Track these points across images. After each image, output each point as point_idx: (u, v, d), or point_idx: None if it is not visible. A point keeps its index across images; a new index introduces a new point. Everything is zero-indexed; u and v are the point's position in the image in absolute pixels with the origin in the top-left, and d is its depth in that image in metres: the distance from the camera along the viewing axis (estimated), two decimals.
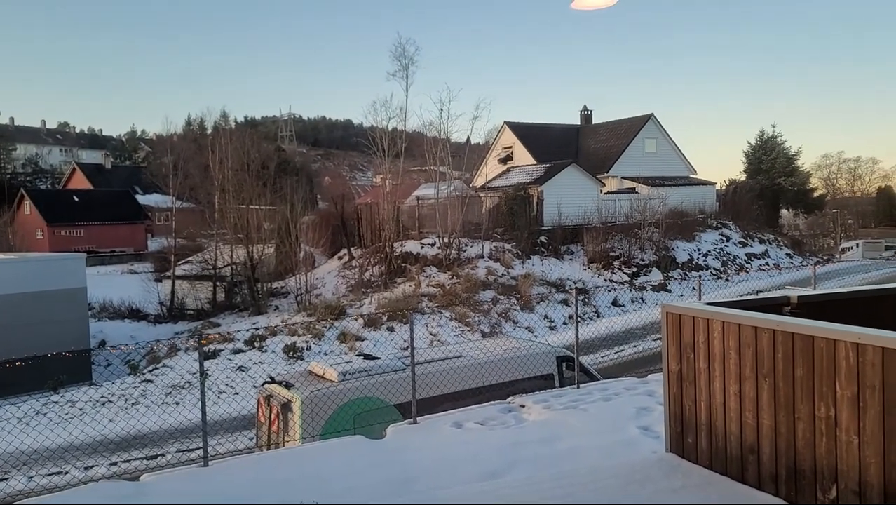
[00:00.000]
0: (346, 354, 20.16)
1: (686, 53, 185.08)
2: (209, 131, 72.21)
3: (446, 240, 30.91)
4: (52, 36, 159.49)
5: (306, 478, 6.35)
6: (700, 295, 12.81)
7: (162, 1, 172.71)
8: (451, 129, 37.87)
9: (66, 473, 13.81)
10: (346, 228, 36.15)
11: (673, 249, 33.81)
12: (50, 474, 13.74)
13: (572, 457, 6.58)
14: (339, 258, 35.73)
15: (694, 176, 45.90)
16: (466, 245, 31.17)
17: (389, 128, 33.58)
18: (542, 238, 32.80)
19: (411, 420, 8.53)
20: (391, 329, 22.63)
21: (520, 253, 30.98)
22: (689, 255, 34.34)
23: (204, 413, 7.26)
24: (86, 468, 14.08)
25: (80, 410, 17.92)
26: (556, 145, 44.20)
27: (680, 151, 46.10)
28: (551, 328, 24.97)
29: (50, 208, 59.42)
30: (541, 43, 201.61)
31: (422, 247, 31.79)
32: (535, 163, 41.66)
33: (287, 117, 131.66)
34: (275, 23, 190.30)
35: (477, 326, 23.91)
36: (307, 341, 21.93)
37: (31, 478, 13.64)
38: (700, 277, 16.50)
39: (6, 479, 13.43)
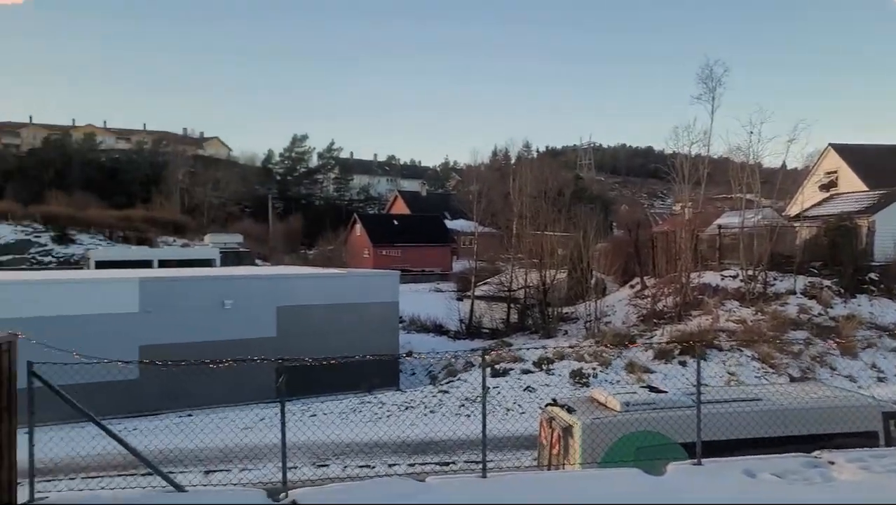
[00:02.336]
0: (631, 384, 19.56)
1: None
2: (512, 161, 76.11)
3: (751, 272, 28.46)
4: (386, 81, 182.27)
5: (579, 502, 6.26)
6: None
7: (491, 44, 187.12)
8: (762, 153, 34.80)
9: (373, 467, 15.35)
10: (640, 257, 35.24)
11: None
12: (361, 466, 15.37)
13: None
14: (631, 286, 34.92)
15: None
16: (774, 279, 28.35)
17: (692, 153, 32.11)
18: (872, 275, 28.49)
19: (695, 461, 7.94)
20: (683, 363, 21.42)
21: (842, 291, 27.28)
22: None
23: (484, 426, 7.57)
24: (389, 465, 15.49)
25: (388, 411, 19.83)
26: (893, 171, 38.15)
27: None
28: (880, 379, 21.51)
29: (375, 231, 67.57)
30: (866, 56, 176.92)
31: (722, 278, 29.67)
32: (865, 189, 36.43)
33: (586, 146, 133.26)
34: (575, 54, 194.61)
35: (784, 369, 21.53)
36: (594, 368, 21.74)
37: (345, 467, 15.36)
38: None
39: (326, 465, 15.35)
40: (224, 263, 39.90)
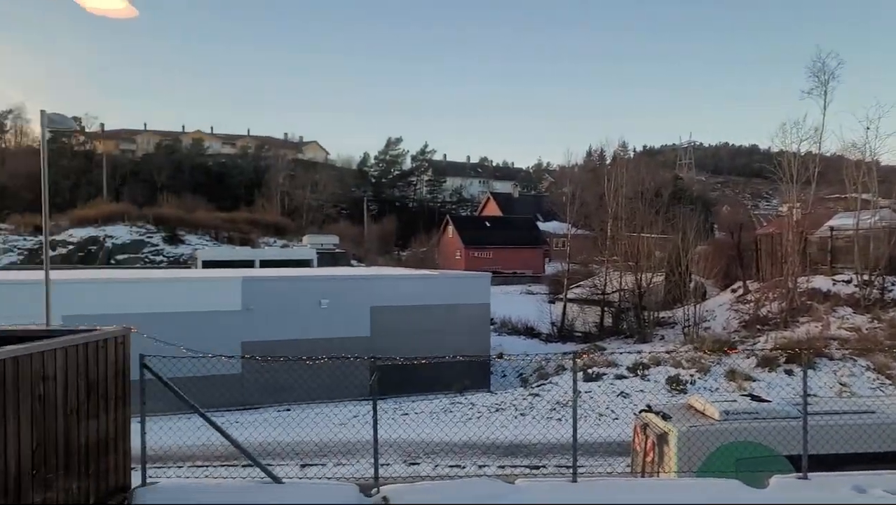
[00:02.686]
0: (731, 392, 18.75)
1: None
2: (608, 161, 74.69)
3: (866, 277, 26.71)
4: (479, 83, 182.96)
5: None
6: None
7: (568, 46, 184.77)
8: (879, 150, 32.62)
9: (464, 467, 15.41)
10: (743, 260, 33.75)
11: None
12: (451, 466, 15.46)
13: None
14: (733, 291, 33.48)
15: None
16: (893, 285, 26.50)
17: (802, 151, 30.46)
18: None
19: (801, 475, 7.52)
20: (789, 372, 20.35)
21: None
22: None
23: (575, 431, 7.45)
24: (480, 466, 15.51)
25: (478, 413, 19.87)
26: None
27: None
28: None
29: (467, 232, 67.88)
30: None
31: (833, 283, 27.99)
32: None
33: (686, 145, 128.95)
34: (670, 47, 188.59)
35: None
36: (691, 375, 20.99)
37: (436, 466, 15.50)
38: None
39: (417, 463, 15.53)
40: (321, 263, 41.15)
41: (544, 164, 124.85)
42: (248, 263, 37.13)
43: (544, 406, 20.08)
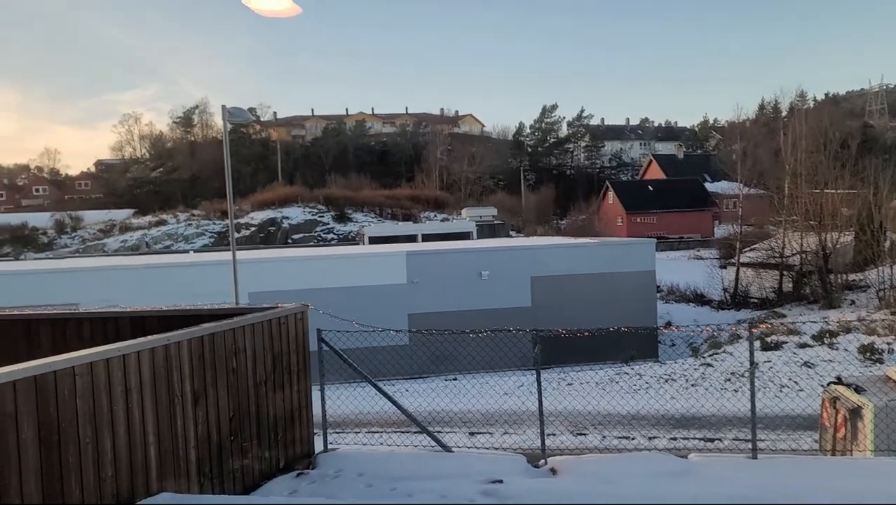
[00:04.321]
0: None
1: None
2: (783, 113, 68.92)
3: None
4: (627, 37, 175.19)
5: (870, 494, 5.53)
6: None
7: None
8: None
9: (633, 438, 15.08)
10: None
11: None
12: (619, 437, 15.19)
13: None
14: None
15: None
16: None
17: None
18: None
19: None
20: None
21: None
22: None
23: (753, 403, 7.01)
24: (649, 438, 15.11)
25: (646, 383, 19.31)
26: None
27: None
28: None
29: (628, 197, 65.73)
30: None
31: None
32: None
33: (877, 88, 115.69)
34: None
35: None
36: (889, 343, 19.02)
37: (604, 437, 15.30)
38: None
39: (584, 434, 15.41)
40: (480, 235, 41.67)
41: (711, 122, 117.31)
42: (411, 238, 38.43)
43: (718, 377, 19.12)
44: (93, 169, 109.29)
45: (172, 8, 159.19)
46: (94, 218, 68.49)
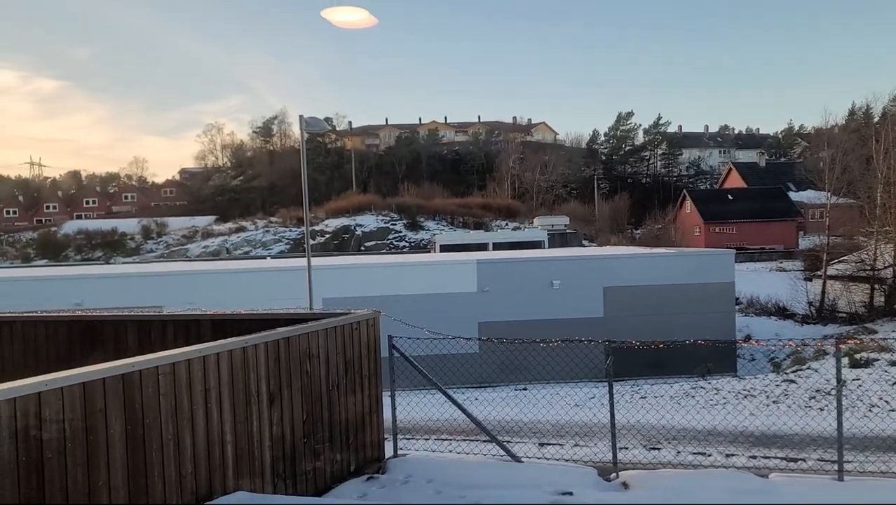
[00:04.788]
0: None
1: None
2: (875, 119, 65.64)
3: None
4: (706, 43, 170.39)
5: None
6: None
7: None
8: None
9: (709, 455, 14.58)
10: None
11: None
12: (695, 453, 14.72)
13: None
14: None
15: None
16: None
17: None
18: None
19: None
20: None
21: None
22: None
23: (840, 423, 6.67)
24: (726, 455, 14.58)
25: (724, 398, 18.64)
26: None
27: None
28: None
29: (706, 207, 63.85)
30: None
31: None
32: None
33: None
34: None
35: None
36: None
37: (678, 453, 14.85)
38: None
39: (657, 449, 15.00)
40: (551, 244, 41.32)
41: (796, 128, 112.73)
42: (482, 246, 38.45)
43: (801, 394, 18.28)
44: (177, 177, 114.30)
45: (255, 23, 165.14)
46: (178, 224, 71.55)
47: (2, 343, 7.82)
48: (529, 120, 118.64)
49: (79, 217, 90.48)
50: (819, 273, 33.53)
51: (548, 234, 43.00)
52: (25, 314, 8.25)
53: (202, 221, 72.72)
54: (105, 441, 4.07)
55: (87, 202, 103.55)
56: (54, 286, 21.99)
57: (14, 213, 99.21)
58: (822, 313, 30.91)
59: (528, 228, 52.72)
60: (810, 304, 31.69)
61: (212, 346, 5.04)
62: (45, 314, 8.22)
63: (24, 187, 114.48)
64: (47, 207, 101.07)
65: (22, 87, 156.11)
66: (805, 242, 51.58)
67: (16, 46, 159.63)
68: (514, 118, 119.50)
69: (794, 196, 64.61)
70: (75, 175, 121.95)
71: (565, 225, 51.47)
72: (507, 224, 61.72)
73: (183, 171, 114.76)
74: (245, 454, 5.21)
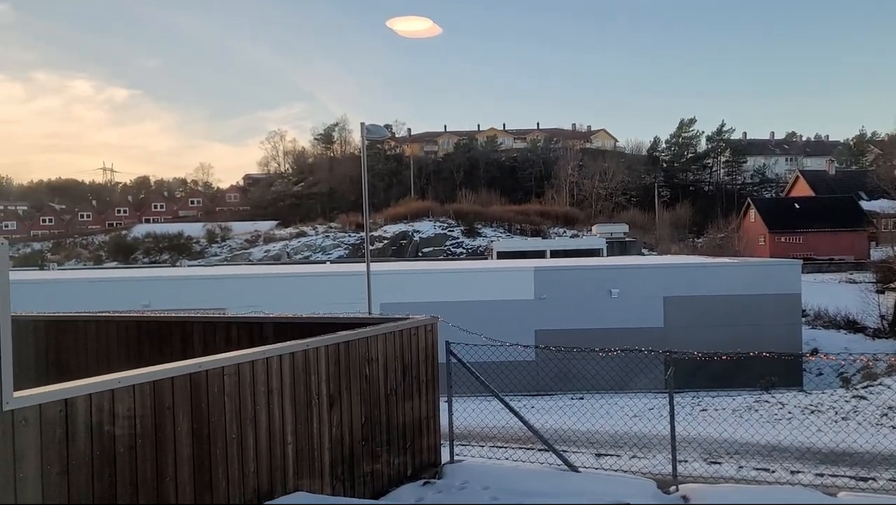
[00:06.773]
0: None
1: None
2: None
3: None
4: (773, 47, 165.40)
5: None
6: None
7: None
8: None
9: (773, 471, 14.13)
10: None
11: None
12: (758, 469, 14.29)
13: None
14: None
15: None
16: None
17: None
18: None
19: None
20: None
21: None
22: None
23: None
24: (791, 472, 14.11)
25: (789, 413, 18.05)
26: None
27: None
28: None
29: (772, 216, 61.94)
30: None
31: None
32: None
33: None
34: None
35: None
36: None
37: (740, 468, 14.44)
38: None
39: (718, 463, 14.62)
40: (610, 252, 40.79)
41: (869, 135, 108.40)
42: (540, 254, 38.24)
43: (873, 411, 17.54)
44: (241, 182, 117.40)
45: (319, 31, 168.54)
46: (240, 229, 73.49)
47: (77, 342, 8.19)
48: (589, 127, 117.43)
49: (147, 221, 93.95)
50: (892, 285, 32.15)
51: (606, 243, 42.48)
52: (98, 314, 8.62)
53: (264, 226, 74.53)
54: (173, 438, 4.22)
55: (156, 207, 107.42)
56: (124, 287, 22.88)
57: (88, 216, 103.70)
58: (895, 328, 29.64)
59: (586, 236, 52.17)
60: (882, 317, 30.38)
61: (274, 348, 5.17)
62: (116, 315, 8.57)
63: (97, 192, 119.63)
64: (118, 211, 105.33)
65: (96, 96, 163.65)
66: (877, 253, 49.45)
67: (92, 57, 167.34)
68: (574, 125, 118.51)
69: (866, 205, 62.09)
70: (144, 180, 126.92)
71: (624, 233, 50.72)
72: (564, 232, 61.19)
73: (246, 177, 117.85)
74: (305, 455, 5.32)
